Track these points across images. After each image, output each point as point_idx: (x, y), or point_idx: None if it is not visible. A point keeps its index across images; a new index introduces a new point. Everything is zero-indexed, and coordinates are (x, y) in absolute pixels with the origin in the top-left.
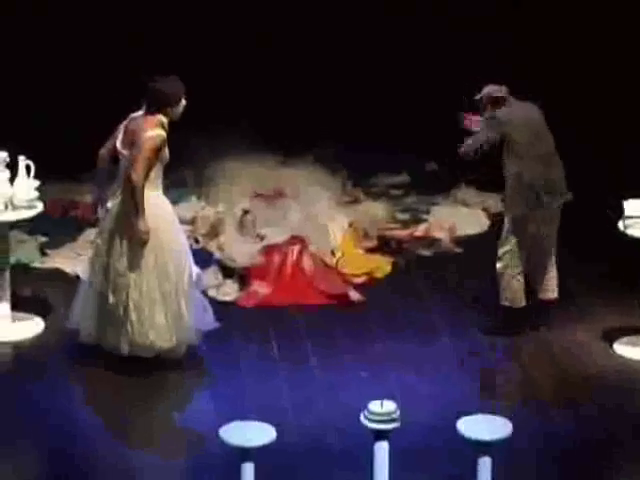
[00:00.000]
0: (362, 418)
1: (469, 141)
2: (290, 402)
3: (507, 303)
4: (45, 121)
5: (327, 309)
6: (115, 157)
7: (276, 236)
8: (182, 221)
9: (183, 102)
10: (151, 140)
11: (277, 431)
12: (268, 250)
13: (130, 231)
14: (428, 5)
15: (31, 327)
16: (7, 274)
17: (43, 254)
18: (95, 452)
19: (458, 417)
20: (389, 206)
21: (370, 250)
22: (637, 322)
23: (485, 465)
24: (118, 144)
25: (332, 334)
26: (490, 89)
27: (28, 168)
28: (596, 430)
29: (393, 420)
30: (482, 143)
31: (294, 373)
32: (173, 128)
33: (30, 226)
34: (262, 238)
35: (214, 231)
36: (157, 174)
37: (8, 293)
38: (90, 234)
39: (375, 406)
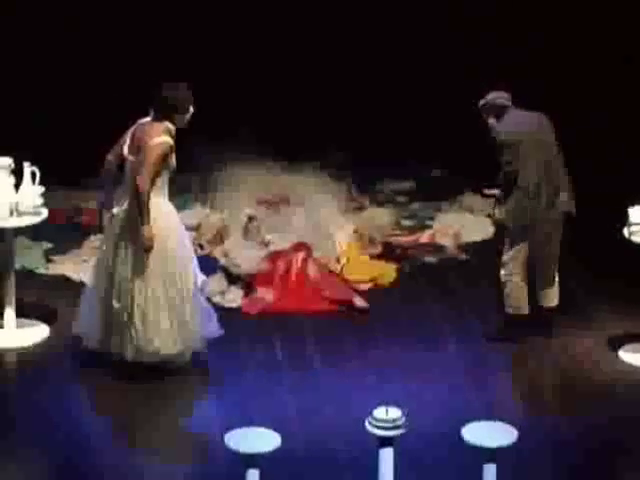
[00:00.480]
0: (367, 425)
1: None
2: (295, 408)
3: (511, 310)
4: (50, 127)
5: (332, 316)
6: (121, 163)
7: (281, 242)
8: (187, 227)
9: (191, 110)
10: (157, 147)
11: (282, 437)
12: (273, 256)
13: (135, 237)
14: (434, 13)
15: (36, 333)
16: (12, 280)
17: (48, 260)
18: (100, 458)
19: (463, 424)
20: (394, 212)
21: (375, 256)
22: None
23: (490, 472)
24: (125, 150)
25: (337, 341)
26: (493, 96)
27: (33, 175)
28: (602, 438)
29: (398, 427)
30: (504, 161)
31: (299, 379)
32: (179, 134)
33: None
34: (267, 244)
35: (219, 237)
36: (163, 181)
37: (13, 299)
38: (95, 240)
39: (380, 413)
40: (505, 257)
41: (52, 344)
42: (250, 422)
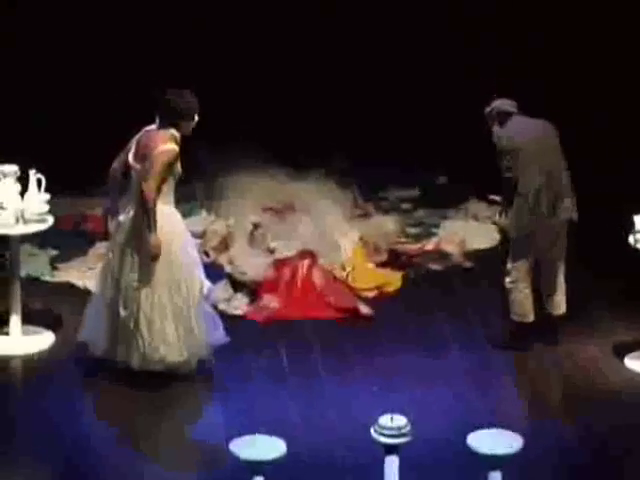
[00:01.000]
0: (372, 432)
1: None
2: (300, 416)
3: (516, 318)
4: (56, 135)
5: (337, 323)
6: (127, 171)
7: (286, 250)
8: (192, 235)
9: (196, 117)
10: (163, 155)
11: (287, 445)
12: (278, 264)
13: (142, 245)
14: (439, 20)
15: (41, 340)
16: (18, 287)
17: (53, 268)
18: (105, 465)
19: (468, 431)
20: (399, 220)
21: (380, 264)
22: None
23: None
24: (130, 158)
25: (342, 348)
26: (499, 103)
27: (39, 182)
28: (607, 445)
29: (403, 434)
30: (505, 167)
31: (304, 387)
32: (184, 141)
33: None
34: (272, 252)
35: (224, 245)
36: (169, 188)
37: (19, 306)
38: (100, 248)
39: (385, 420)
40: (509, 264)
41: (57, 351)
42: (255, 429)
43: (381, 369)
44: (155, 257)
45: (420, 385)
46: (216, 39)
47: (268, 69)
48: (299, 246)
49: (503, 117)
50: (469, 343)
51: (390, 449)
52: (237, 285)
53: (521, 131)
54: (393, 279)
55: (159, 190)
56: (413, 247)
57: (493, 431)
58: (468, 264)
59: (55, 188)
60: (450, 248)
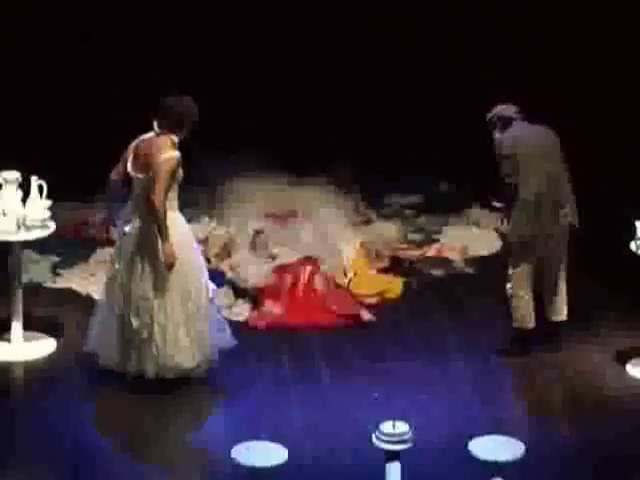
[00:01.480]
0: (374, 439)
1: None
2: (302, 422)
3: (516, 324)
4: (58, 141)
5: (339, 329)
6: (125, 180)
7: (288, 256)
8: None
9: (194, 123)
10: (167, 162)
11: (289, 451)
12: (280, 270)
13: (152, 254)
14: (440, 27)
15: (43, 347)
16: (20, 294)
17: (55, 274)
18: (106, 473)
19: (470, 438)
20: (401, 226)
21: (382, 270)
22: None
23: None
24: (129, 167)
25: (344, 354)
26: (499, 109)
27: (41, 188)
28: (609, 452)
29: (405, 441)
30: (504, 173)
31: (306, 393)
32: (185, 148)
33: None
34: (274, 258)
35: (226, 251)
36: (173, 194)
37: (20, 313)
38: (102, 254)
39: (387, 427)
40: (510, 271)
41: (59, 358)
42: (257, 436)
43: (382, 375)
44: (170, 266)
45: (422, 391)
46: (221, 45)
47: (272, 76)
48: (301, 252)
49: (504, 123)
50: (471, 349)
51: (392, 456)
52: (239, 291)
53: (521, 137)
54: (395, 285)
55: (167, 198)
56: (415, 253)
57: (495, 438)
58: (470, 270)
59: (57, 194)
60: (452, 254)
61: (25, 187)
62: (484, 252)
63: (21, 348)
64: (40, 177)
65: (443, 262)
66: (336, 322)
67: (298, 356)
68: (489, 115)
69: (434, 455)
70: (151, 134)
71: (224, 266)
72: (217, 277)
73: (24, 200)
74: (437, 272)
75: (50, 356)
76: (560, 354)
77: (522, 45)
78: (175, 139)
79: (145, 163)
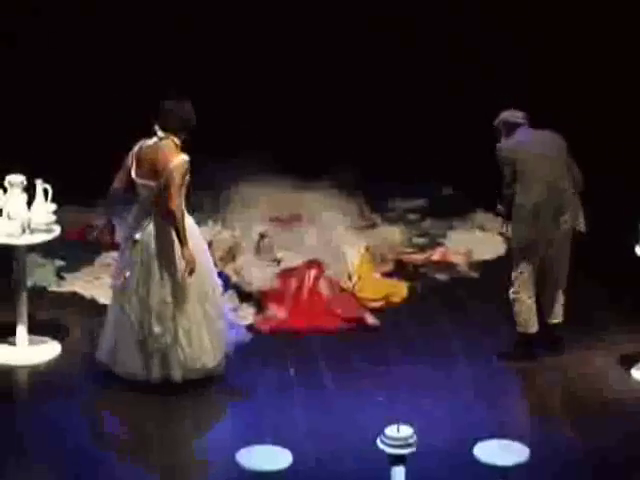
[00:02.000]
0: (379, 443)
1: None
2: (307, 426)
3: (519, 328)
4: (63, 145)
5: (344, 333)
6: (128, 188)
7: (293, 260)
8: None
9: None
10: (180, 167)
11: (293, 455)
12: (285, 274)
13: (170, 259)
14: (445, 30)
15: (47, 351)
16: (24, 297)
17: (60, 278)
18: (111, 475)
19: (474, 442)
20: (406, 230)
21: (387, 274)
22: None
23: None
24: (133, 174)
25: (349, 358)
26: (505, 115)
27: (46, 192)
28: (614, 456)
29: (409, 445)
30: (505, 179)
31: (311, 397)
32: (190, 152)
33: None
34: (279, 262)
35: (231, 255)
36: (182, 198)
37: (25, 316)
38: (107, 258)
39: (391, 431)
40: (513, 275)
41: (64, 361)
42: (262, 440)
43: (387, 379)
44: (192, 271)
45: (426, 395)
46: (224, 49)
47: (277, 80)
48: (305, 256)
49: (509, 128)
50: (475, 354)
51: (396, 459)
52: (243, 295)
53: (522, 143)
54: (399, 289)
55: (182, 202)
56: (419, 257)
57: (499, 442)
58: (474, 274)
59: (62, 198)
60: (456, 258)
61: (30, 191)
62: (488, 256)
63: (25, 351)
64: (45, 181)
65: (447, 266)
66: (340, 326)
67: (302, 359)
68: (495, 121)
69: (438, 459)
70: (154, 139)
71: (229, 270)
72: (222, 281)
73: (29, 204)
74: (441, 276)
75: (54, 360)
76: (563, 357)
77: (522, 45)
78: (177, 141)
79: (152, 169)
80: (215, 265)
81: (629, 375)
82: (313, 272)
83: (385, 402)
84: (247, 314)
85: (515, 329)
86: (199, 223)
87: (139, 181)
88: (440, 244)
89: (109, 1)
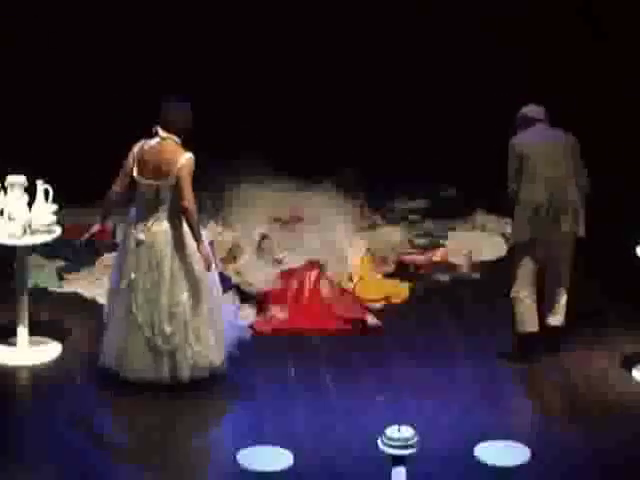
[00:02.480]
0: (380, 443)
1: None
2: (307, 427)
3: (519, 327)
4: (64, 146)
5: (345, 334)
6: (127, 189)
7: (294, 261)
8: None
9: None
10: (187, 166)
11: (294, 456)
12: (286, 275)
13: (184, 257)
14: (445, 31)
15: (48, 351)
16: (25, 298)
17: (61, 278)
18: (113, 475)
19: (476, 443)
20: (407, 231)
21: (388, 275)
22: None
23: None
24: (136, 174)
25: (349, 359)
26: (525, 110)
27: (46, 193)
28: (616, 457)
29: (410, 446)
30: (510, 172)
31: (311, 398)
32: (192, 153)
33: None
34: (280, 262)
35: (232, 255)
36: (193, 194)
37: (26, 317)
38: (108, 259)
39: (393, 431)
40: (512, 274)
41: (65, 362)
42: (262, 440)
43: (388, 380)
44: (210, 266)
45: (427, 396)
46: (227, 51)
47: (278, 81)
48: (306, 257)
49: (526, 124)
50: (477, 354)
51: (397, 460)
52: (244, 296)
53: (532, 139)
54: (400, 290)
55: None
56: (420, 258)
57: (501, 443)
58: (476, 275)
59: (63, 199)
60: (458, 259)
61: (31, 191)
62: (489, 257)
63: (26, 352)
64: (46, 181)
65: (448, 267)
66: (341, 326)
67: (303, 360)
68: (517, 115)
69: (440, 460)
70: (155, 139)
71: (230, 270)
72: (223, 281)
73: (30, 204)
74: (443, 277)
75: (55, 360)
76: (564, 358)
77: (522, 45)
78: (178, 141)
79: (156, 169)
80: (216, 265)
81: (630, 375)
82: (314, 273)
83: (386, 402)
84: (248, 314)
85: (516, 329)
86: (200, 223)
87: (144, 181)
88: (441, 245)
89: (109, 1)
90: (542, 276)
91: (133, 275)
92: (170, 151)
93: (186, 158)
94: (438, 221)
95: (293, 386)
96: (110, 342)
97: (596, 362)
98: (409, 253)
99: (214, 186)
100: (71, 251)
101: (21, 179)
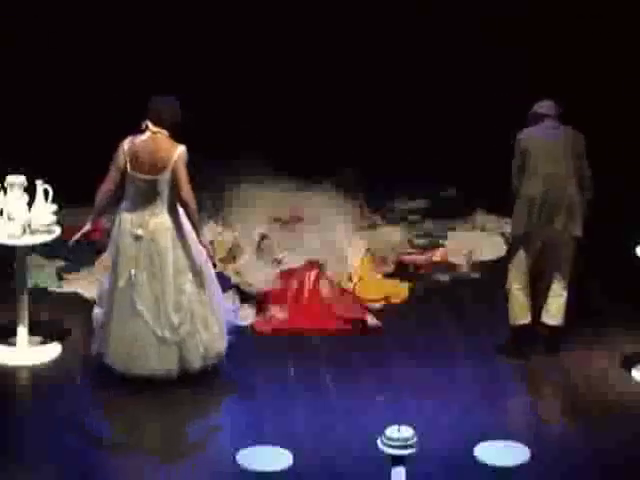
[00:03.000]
0: (379, 443)
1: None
2: (307, 427)
3: (510, 320)
4: (64, 146)
5: (344, 334)
6: (118, 187)
7: (294, 261)
8: None
9: None
10: (182, 158)
11: (294, 456)
12: (285, 275)
13: (186, 248)
14: (446, 32)
15: (48, 351)
16: (25, 298)
17: (61, 278)
18: (114, 475)
19: (476, 443)
20: (407, 231)
21: (387, 275)
22: None
23: None
24: (130, 169)
25: (349, 359)
26: (536, 106)
27: (46, 193)
28: (616, 457)
29: (410, 446)
30: (513, 168)
31: (311, 398)
32: (192, 153)
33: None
34: (279, 262)
35: (231, 255)
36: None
37: (26, 317)
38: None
39: (392, 431)
40: (508, 267)
41: (64, 362)
42: (262, 440)
43: (387, 380)
44: (212, 256)
45: (427, 396)
46: (227, 51)
47: (278, 81)
48: (306, 257)
49: (534, 119)
50: (476, 354)
51: (397, 460)
52: (244, 296)
53: (535, 135)
54: (400, 290)
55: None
56: (420, 258)
57: (501, 443)
58: (476, 275)
59: (62, 199)
60: (457, 259)
61: (31, 191)
62: (489, 257)
63: (26, 352)
64: (45, 181)
65: (448, 267)
66: (341, 327)
67: (303, 360)
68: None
69: (440, 460)
70: (146, 134)
71: (230, 270)
72: (223, 281)
73: (30, 204)
74: (443, 277)
75: (55, 360)
76: (564, 358)
77: (523, 45)
78: (167, 134)
79: (151, 163)
80: (214, 265)
81: (630, 375)
82: (314, 273)
83: (385, 402)
84: (248, 314)
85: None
86: (200, 222)
87: (139, 176)
88: (441, 245)
89: (110, 2)
90: (543, 275)
91: (133, 271)
92: (164, 145)
93: (180, 150)
94: (438, 221)
95: (293, 386)
96: (115, 342)
97: (596, 362)
98: (409, 253)
99: (214, 186)
100: (70, 251)
101: (21, 179)
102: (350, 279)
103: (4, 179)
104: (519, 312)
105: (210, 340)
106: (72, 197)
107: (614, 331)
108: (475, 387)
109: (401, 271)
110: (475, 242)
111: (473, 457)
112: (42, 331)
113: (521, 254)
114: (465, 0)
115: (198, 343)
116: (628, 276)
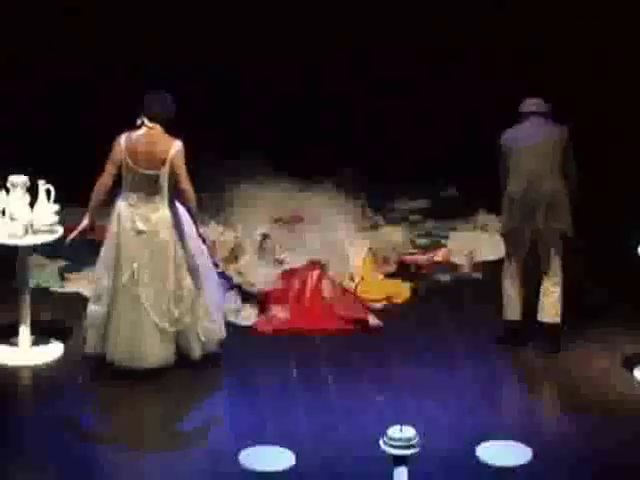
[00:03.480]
0: (381, 443)
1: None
2: (309, 427)
3: (503, 316)
4: (66, 145)
5: (346, 334)
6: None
7: (295, 261)
8: None
9: None
10: (180, 152)
11: (296, 456)
12: (287, 275)
13: (185, 240)
14: (446, 32)
15: (50, 351)
16: (27, 298)
17: (63, 278)
18: (115, 474)
19: (477, 443)
20: (408, 231)
21: (389, 275)
22: None
23: None
24: (132, 165)
25: (351, 359)
26: (522, 103)
27: (48, 192)
28: (617, 457)
29: (412, 445)
30: (500, 170)
31: (313, 398)
32: (193, 153)
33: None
34: (281, 262)
35: (233, 255)
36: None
37: (28, 317)
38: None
39: (394, 431)
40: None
41: (66, 362)
42: (264, 440)
43: (389, 380)
44: (212, 248)
45: (428, 396)
46: (227, 50)
47: (278, 81)
48: (308, 257)
49: (522, 117)
50: (478, 354)
51: (399, 460)
52: (246, 296)
53: (516, 134)
54: (401, 290)
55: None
56: (422, 258)
57: (502, 443)
58: (477, 275)
59: (64, 199)
60: (459, 259)
61: (33, 191)
62: (491, 257)
63: (28, 352)
64: (47, 181)
65: (450, 267)
66: (342, 327)
67: (305, 360)
68: None
69: (441, 460)
70: (143, 129)
71: (231, 270)
72: (224, 281)
73: (32, 204)
74: (444, 277)
75: (57, 360)
76: (565, 358)
77: (522, 45)
78: (162, 129)
79: (150, 157)
80: (216, 265)
81: (631, 375)
82: (315, 273)
83: (387, 403)
84: (249, 314)
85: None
86: (201, 223)
87: (140, 170)
88: (442, 245)
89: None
90: (538, 272)
91: (135, 265)
92: (161, 140)
93: (178, 145)
94: (439, 221)
95: (294, 386)
96: (115, 335)
97: (597, 362)
98: (410, 253)
99: (214, 186)
100: (72, 251)
101: (23, 179)
102: (352, 279)
103: (6, 179)
104: (510, 308)
105: (210, 327)
106: (74, 197)
107: (614, 331)
108: (476, 387)
109: (402, 271)
110: (476, 242)
111: (474, 457)
112: (44, 331)
113: (511, 252)
114: (465, 0)
115: (200, 332)
116: (628, 276)
